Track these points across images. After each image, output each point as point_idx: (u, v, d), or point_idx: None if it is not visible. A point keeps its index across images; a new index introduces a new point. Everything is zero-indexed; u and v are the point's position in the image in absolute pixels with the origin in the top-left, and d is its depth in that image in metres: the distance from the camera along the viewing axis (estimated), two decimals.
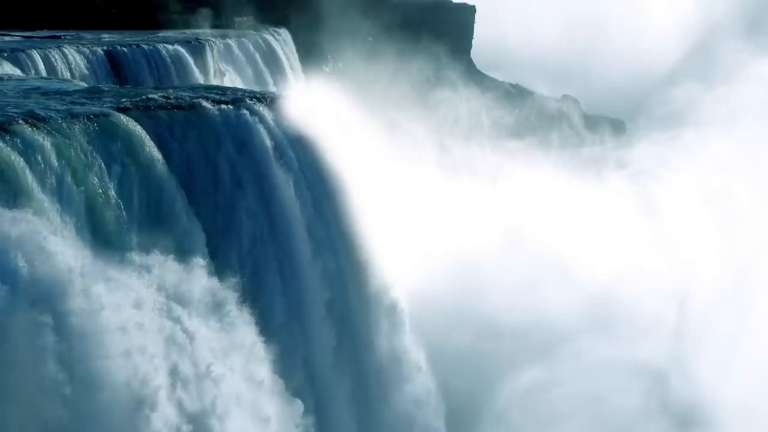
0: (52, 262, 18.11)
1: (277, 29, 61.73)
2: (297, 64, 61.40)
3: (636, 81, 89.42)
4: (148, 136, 22.41)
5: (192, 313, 20.83)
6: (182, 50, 47.55)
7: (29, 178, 19.38)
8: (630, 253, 40.26)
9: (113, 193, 21.09)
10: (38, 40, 47.58)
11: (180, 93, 25.88)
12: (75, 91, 27.19)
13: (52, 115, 21.47)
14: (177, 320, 20.31)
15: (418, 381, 27.72)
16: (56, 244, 18.50)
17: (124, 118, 22.40)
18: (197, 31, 57.10)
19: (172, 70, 46.03)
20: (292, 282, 24.64)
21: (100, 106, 23.43)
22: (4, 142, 19.58)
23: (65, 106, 23.16)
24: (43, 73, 39.43)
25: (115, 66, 43.93)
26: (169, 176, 22.42)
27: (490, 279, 37.35)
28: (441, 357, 29.58)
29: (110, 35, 52.36)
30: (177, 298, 20.77)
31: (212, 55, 50.26)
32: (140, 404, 18.86)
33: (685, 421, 32.12)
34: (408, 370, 27.55)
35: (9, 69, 37.13)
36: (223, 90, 28.40)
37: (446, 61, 74.98)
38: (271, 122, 25.04)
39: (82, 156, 20.78)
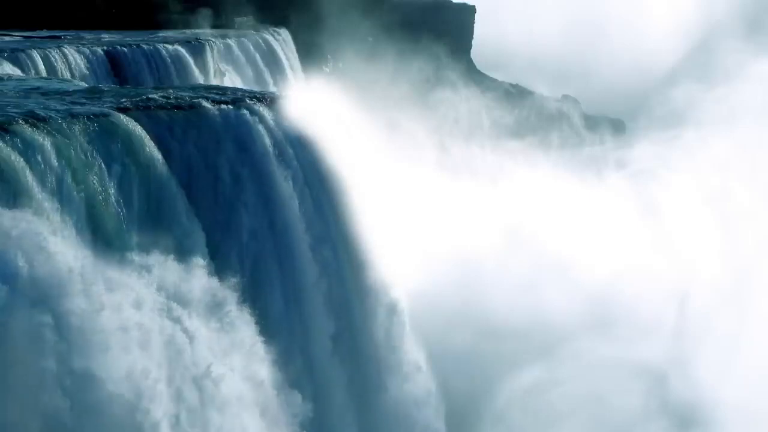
0: (52, 262, 18.07)
1: (277, 29, 61.74)
2: (297, 64, 61.42)
3: (636, 81, 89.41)
4: (148, 136, 22.38)
5: (192, 313, 20.80)
6: (182, 50, 47.55)
7: (29, 178, 19.34)
8: (630, 253, 40.28)
9: (113, 193, 21.07)
10: (38, 40, 47.56)
11: (180, 93, 25.84)
12: (75, 91, 27.15)
13: (52, 115, 21.44)
14: (177, 320, 20.27)
15: (418, 381, 27.70)
16: (56, 244, 18.45)
17: (124, 118, 22.37)
18: (197, 31, 57.11)
19: (172, 70, 46.02)
20: (292, 278, 24.64)
21: (100, 106, 23.40)
22: (4, 142, 19.55)
23: (65, 106, 23.13)
24: (43, 73, 39.40)
25: (115, 66, 43.93)
26: (169, 176, 22.39)
27: (490, 279, 37.38)
28: (441, 357, 29.58)
29: (110, 35, 52.38)
30: (177, 298, 20.74)
31: (212, 55, 50.26)
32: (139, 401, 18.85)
33: (685, 421, 32.11)
34: (408, 370, 27.53)
35: (9, 69, 37.10)
36: (223, 90, 28.36)
37: (446, 61, 74.97)
38: (271, 122, 25.01)
39: (82, 156, 20.76)
